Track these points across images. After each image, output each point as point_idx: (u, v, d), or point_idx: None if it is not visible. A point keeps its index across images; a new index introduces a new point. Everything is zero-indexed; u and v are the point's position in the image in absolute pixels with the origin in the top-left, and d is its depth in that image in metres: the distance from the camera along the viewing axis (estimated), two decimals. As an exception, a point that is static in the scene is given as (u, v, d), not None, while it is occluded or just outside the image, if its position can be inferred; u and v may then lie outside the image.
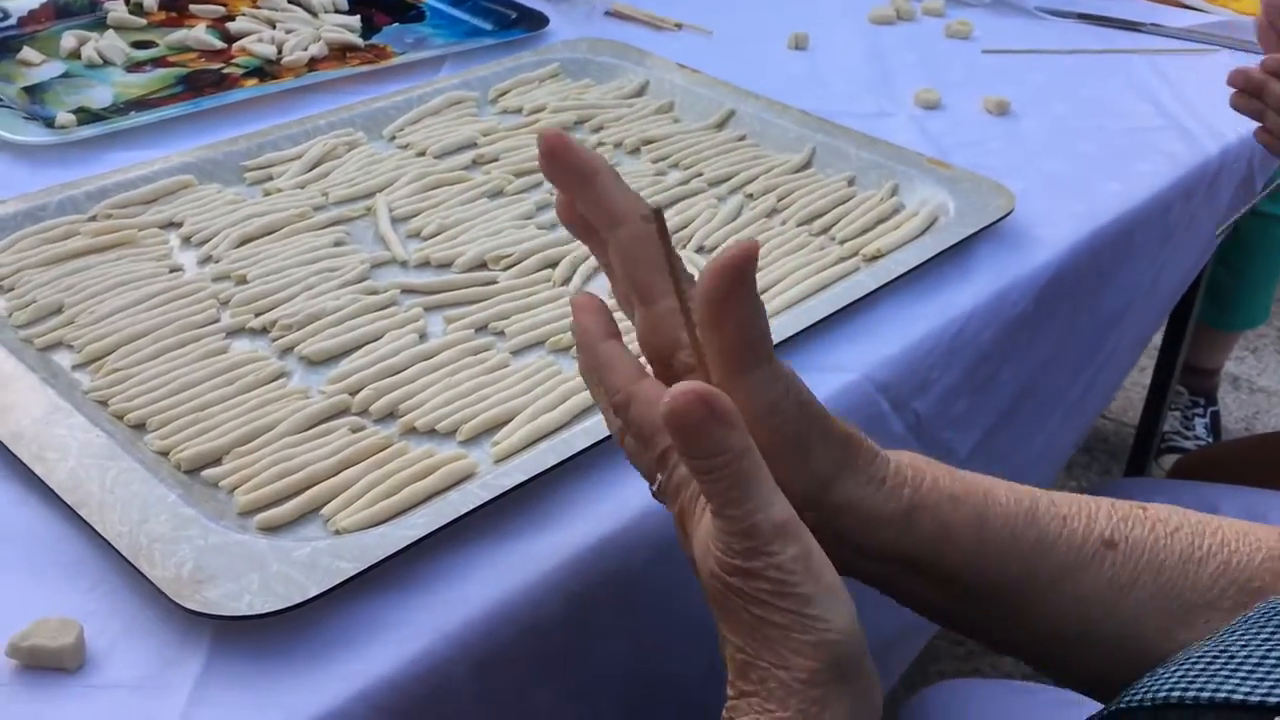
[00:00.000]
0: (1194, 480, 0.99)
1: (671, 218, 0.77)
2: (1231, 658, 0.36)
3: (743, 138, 0.88)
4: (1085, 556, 0.43)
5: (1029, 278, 0.75)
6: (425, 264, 0.72)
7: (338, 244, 0.73)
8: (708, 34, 1.08)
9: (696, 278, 0.40)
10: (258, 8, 1.06)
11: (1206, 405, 1.74)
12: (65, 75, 0.94)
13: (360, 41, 1.00)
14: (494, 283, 0.70)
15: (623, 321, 0.46)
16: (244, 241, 0.72)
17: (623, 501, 0.55)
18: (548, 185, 0.81)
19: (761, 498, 0.36)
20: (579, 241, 0.46)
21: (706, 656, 0.40)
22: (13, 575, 0.50)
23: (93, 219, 0.73)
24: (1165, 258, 0.93)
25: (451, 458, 0.56)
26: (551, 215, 0.78)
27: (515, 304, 0.68)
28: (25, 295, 0.66)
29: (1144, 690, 0.36)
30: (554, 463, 0.55)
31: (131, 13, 1.03)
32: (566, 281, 0.70)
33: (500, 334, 0.66)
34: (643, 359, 0.44)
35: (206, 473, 0.55)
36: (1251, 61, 0.85)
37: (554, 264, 0.72)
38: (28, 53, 0.95)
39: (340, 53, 0.99)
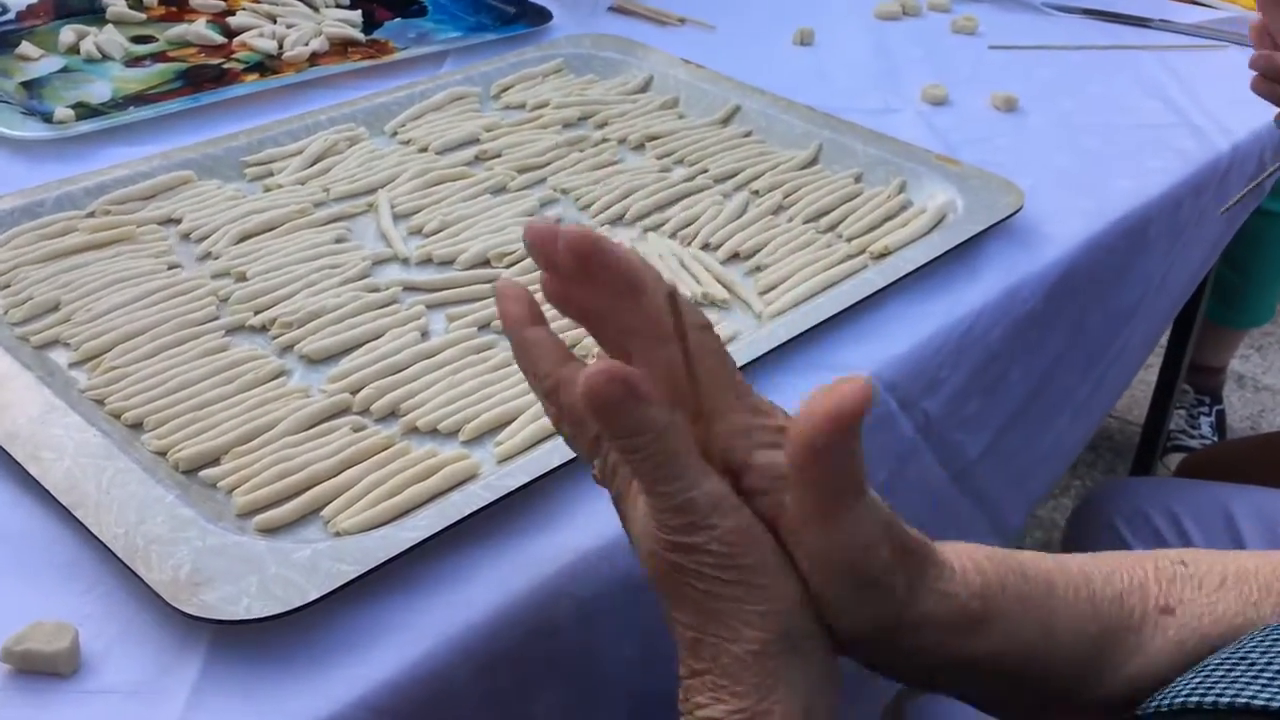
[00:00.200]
0: (1201, 479, 0.98)
1: (677, 214, 0.76)
2: (1252, 664, 0.36)
3: (748, 134, 0.87)
4: (1149, 630, 0.42)
5: (1039, 275, 0.75)
6: (427, 261, 0.71)
7: (339, 241, 0.72)
8: (711, 29, 1.07)
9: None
10: (258, 3, 1.05)
11: (1212, 404, 1.73)
12: (64, 70, 0.93)
13: (362, 36, 1.00)
14: (496, 280, 0.69)
15: (563, 325, 0.44)
16: (244, 238, 0.71)
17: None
18: (552, 181, 0.80)
19: (693, 474, 0.36)
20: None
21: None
22: (7, 577, 0.49)
23: (91, 215, 0.72)
24: (1175, 255, 0.92)
25: (454, 458, 0.55)
26: (555, 211, 0.77)
27: (518, 302, 0.67)
28: (22, 292, 0.65)
29: (1163, 696, 0.36)
30: (558, 464, 0.54)
31: (131, 7, 1.02)
32: (570, 279, 0.69)
33: (503, 333, 0.65)
34: (579, 351, 0.42)
35: (205, 473, 0.54)
36: None
37: (557, 261, 0.71)
38: (26, 47, 0.94)
39: (341, 48, 0.98)
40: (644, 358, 0.38)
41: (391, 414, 0.59)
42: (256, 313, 0.65)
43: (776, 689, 0.36)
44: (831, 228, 0.76)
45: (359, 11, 1.04)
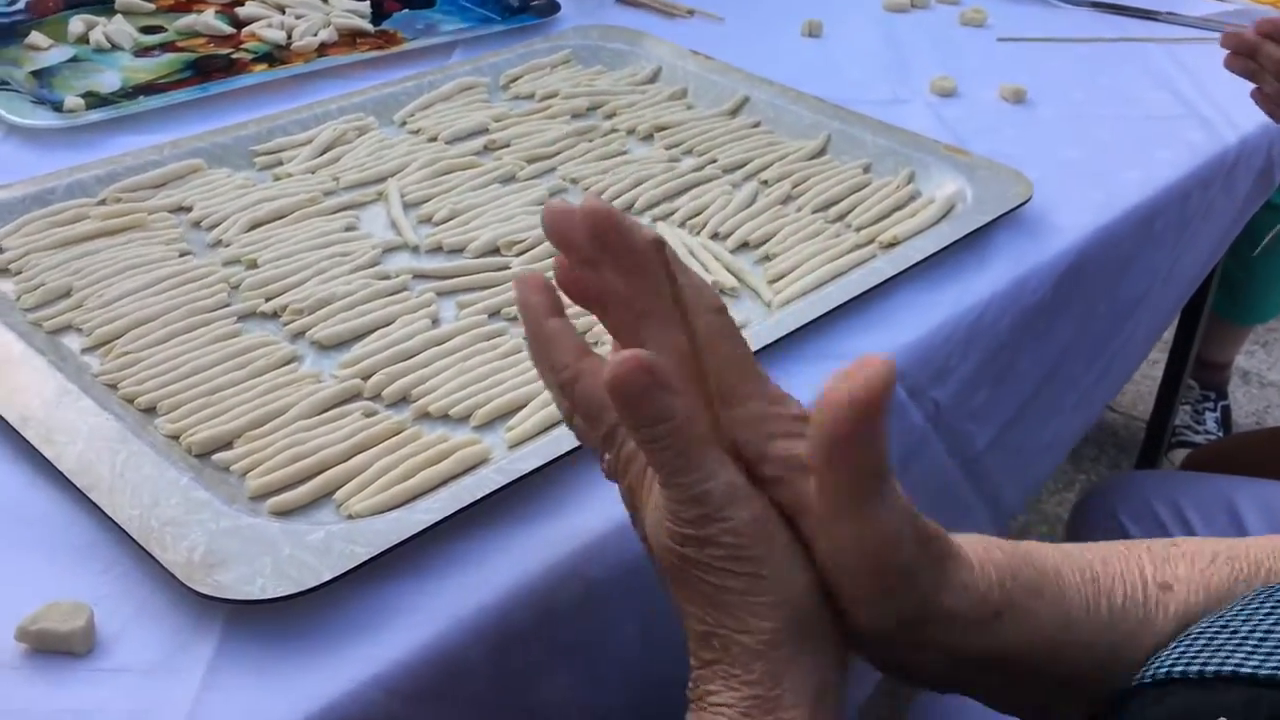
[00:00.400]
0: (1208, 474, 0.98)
1: (685, 204, 0.76)
2: (1235, 633, 0.36)
3: (757, 124, 0.87)
4: (1153, 609, 0.42)
5: (1048, 265, 0.75)
6: (437, 249, 0.71)
7: (348, 229, 0.72)
8: (719, 21, 1.07)
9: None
10: (267, -7, 1.05)
11: (1217, 399, 1.73)
12: (73, 60, 0.93)
13: (370, 27, 1.00)
14: (507, 268, 0.69)
15: (574, 314, 0.43)
16: (254, 226, 0.71)
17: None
18: (561, 171, 0.80)
19: (710, 464, 0.36)
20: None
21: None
22: (23, 558, 0.49)
23: (102, 202, 0.72)
24: (1182, 247, 0.92)
25: (465, 443, 0.55)
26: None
27: (528, 289, 0.67)
28: (34, 278, 0.65)
29: (1146, 669, 0.36)
30: (569, 449, 0.54)
31: (140, -2, 1.02)
32: (580, 267, 0.70)
33: (513, 320, 0.65)
34: (589, 340, 0.42)
35: (218, 456, 0.54)
36: None
37: (567, 249, 0.71)
38: (36, 37, 0.94)
39: (350, 38, 0.98)
40: (657, 342, 0.38)
41: (403, 400, 0.59)
42: (268, 299, 0.65)
43: (787, 676, 0.36)
44: (840, 217, 0.76)
45: (367, 2, 1.04)
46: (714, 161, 0.81)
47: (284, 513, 0.52)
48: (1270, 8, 1.17)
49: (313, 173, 0.78)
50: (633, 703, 0.57)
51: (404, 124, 0.85)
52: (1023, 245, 0.75)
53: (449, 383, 0.59)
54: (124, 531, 0.48)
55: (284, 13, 1.01)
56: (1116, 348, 0.92)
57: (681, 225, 0.75)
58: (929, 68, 1.00)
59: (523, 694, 0.52)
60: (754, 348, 0.61)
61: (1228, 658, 0.34)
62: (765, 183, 0.79)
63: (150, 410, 0.57)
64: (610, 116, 0.87)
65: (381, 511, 0.51)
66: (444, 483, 0.53)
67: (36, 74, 0.90)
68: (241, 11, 1.01)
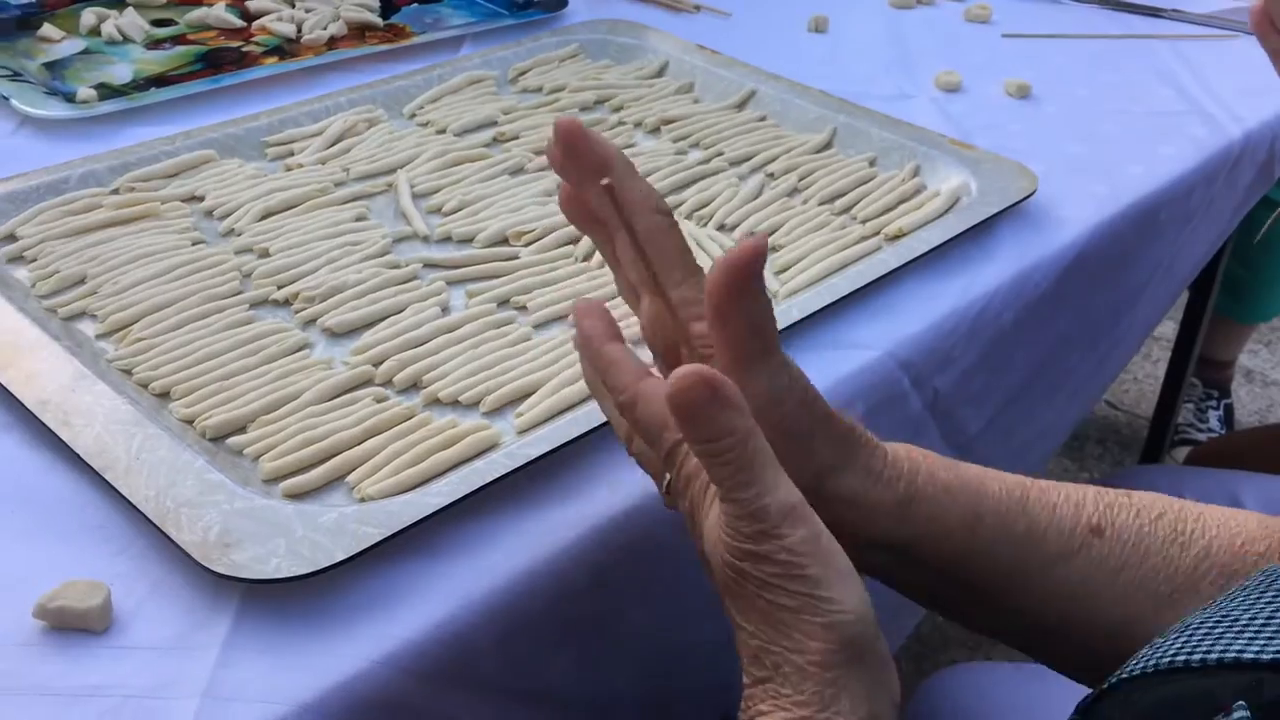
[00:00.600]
0: (1212, 469, 0.99)
1: (693, 196, 0.77)
2: (1235, 621, 0.36)
3: (763, 118, 0.87)
4: (1074, 544, 0.44)
5: (1052, 258, 0.75)
6: (446, 239, 0.72)
7: (359, 219, 0.73)
8: (726, 16, 1.08)
9: (708, 268, 0.40)
10: (277, -13, 1.06)
11: (1220, 398, 1.73)
12: (85, 52, 0.94)
13: (379, 21, 1.00)
14: (515, 258, 0.70)
15: (627, 328, 0.46)
16: (266, 216, 0.72)
17: (645, 474, 0.54)
18: (569, 163, 0.80)
19: (769, 480, 0.36)
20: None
21: (726, 627, 0.40)
22: (41, 539, 0.50)
23: (115, 192, 0.73)
24: (1184, 241, 0.93)
25: (475, 428, 0.56)
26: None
27: (537, 279, 0.68)
28: (49, 266, 0.66)
29: (1146, 659, 0.36)
30: (578, 434, 0.55)
31: (151, -9, 1.03)
32: (588, 258, 0.70)
33: (522, 308, 0.66)
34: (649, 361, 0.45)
35: (231, 440, 0.55)
36: None
37: (575, 240, 0.71)
38: (48, 29, 0.95)
39: (359, 32, 0.99)
40: (607, 238, 0.44)
41: (413, 386, 0.60)
42: (279, 287, 0.66)
43: (838, 699, 0.37)
44: (846, 210, 0.77)
45: (377, -4, 1.05)
46: (721, 154, 0.82)
47: (297, 495, 0.52)
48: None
49: (323, 164, 0.78)
50: (640, 685, 0.58)
51: (413, 116, 0.85)
52: (1027, 238, 0.76)
53: (459, 369, 0.60)
54: (140, 512, 0.49)
55: (294, 6, 1.02)
56: (1114, 339, 0.92)
57: (689, 217, 0.76)
58: (934, 63, 1.00)
59: (531, 673, 0.52)
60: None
61: (1229, 645, 0.35)
62: (772, 175, 0.80)
63: (164, 395, 0.58)
64: (618, 110, 0.88)
65: (393, 494, 0.52)
66: (454, 467, 0.54)
67: (49, 66, 0.91)
68: (252, 5, 1.01)
